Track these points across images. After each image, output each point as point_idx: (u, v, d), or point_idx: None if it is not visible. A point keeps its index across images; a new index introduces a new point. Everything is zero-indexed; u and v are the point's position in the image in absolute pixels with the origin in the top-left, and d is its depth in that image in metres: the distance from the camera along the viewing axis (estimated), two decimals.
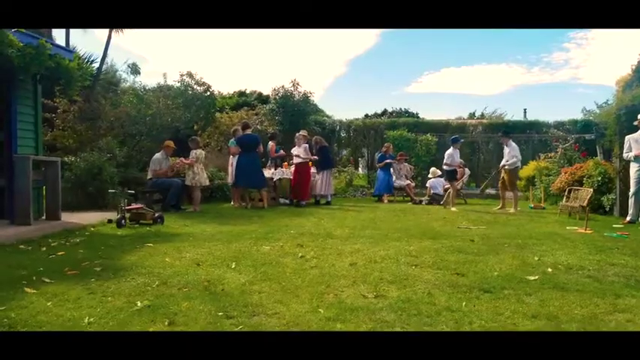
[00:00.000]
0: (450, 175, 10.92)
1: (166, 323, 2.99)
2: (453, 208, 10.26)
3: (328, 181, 11.50)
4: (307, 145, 11.09)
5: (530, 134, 16.56)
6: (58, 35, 18.22)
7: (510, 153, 10.15)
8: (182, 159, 10.22)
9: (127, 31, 17.86)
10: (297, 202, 10.77)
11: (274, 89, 16.74)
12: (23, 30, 6.58)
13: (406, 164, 13.58)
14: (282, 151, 12.05)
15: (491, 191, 13.22)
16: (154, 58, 49.03)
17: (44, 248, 5.46)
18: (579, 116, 16.61)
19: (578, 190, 9.30)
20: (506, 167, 10.14)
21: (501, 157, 10.79)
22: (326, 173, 11.44)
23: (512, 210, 9.87)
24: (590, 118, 15.31)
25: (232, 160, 10.70)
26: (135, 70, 16.59)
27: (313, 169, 11.47)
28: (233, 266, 4.60)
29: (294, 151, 11.03)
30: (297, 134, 11.43)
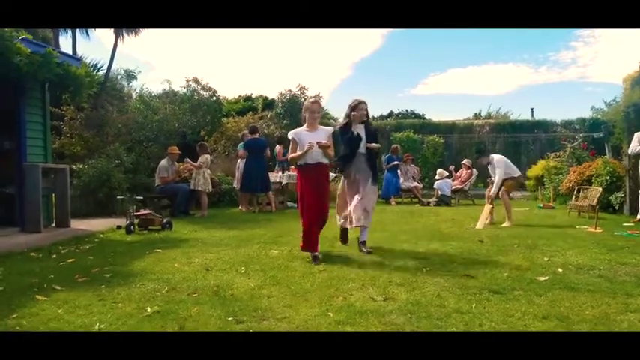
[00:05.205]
0: None
1: (176, 328, 3.00)
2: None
3: None
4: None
5: (537, 134, 16.47)
6: (65, 44, 18.37)
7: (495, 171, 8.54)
8: (188, 160, 10.16)
9: (132, 37, 17.98)
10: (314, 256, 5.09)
11: (281, 93, 16.77)
12: (31, 37, 6.65)
13: (413, 166, 13.54)
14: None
15: (515, 194, 12.14)
16: (160, 64, 49.34)
17: (54, 255, 5.50)
18: (587, 115, 16.56)
19: (587, 189, 9.24)
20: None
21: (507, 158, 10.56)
22: None
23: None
24: (599, 116, 15.23)
25: (239, 165, 10.72)
26: (130, 76, 16.72)
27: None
28: (242, 271, 4.60)
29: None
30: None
